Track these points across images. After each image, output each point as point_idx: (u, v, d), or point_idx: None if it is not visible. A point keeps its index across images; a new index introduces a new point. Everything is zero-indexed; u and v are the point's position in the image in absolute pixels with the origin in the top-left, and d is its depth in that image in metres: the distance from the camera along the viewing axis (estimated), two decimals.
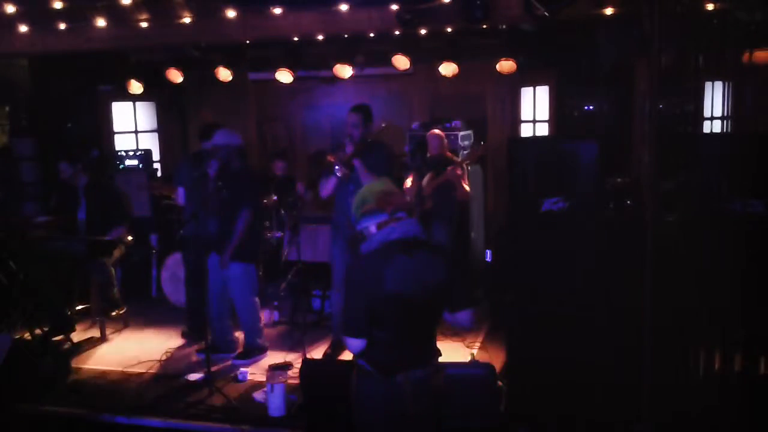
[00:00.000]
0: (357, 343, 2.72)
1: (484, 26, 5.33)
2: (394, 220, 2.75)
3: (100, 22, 5.72)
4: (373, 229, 2.78)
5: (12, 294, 5.37)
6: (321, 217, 6.20)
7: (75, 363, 5.17)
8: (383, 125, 5.17)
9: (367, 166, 4.62)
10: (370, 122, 4.88)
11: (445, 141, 6.07)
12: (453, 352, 5.11)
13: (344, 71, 6.80)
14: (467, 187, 5.87)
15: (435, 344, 2.88)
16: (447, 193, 5.79)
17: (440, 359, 2.88)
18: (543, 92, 7.31)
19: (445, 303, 2.82)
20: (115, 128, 8.28)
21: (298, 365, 4.40)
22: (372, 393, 2.75)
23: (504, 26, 5.90)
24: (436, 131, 6.09)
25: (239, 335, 5.34)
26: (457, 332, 5.32)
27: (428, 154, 6.02)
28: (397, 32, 5.79)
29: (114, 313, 5.94)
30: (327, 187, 4.88)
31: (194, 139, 6.64)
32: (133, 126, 8.40)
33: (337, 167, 4.68)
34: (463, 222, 6.36)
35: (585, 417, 3.79)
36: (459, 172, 5.70)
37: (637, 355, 3.71)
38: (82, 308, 6.03)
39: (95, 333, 5.83)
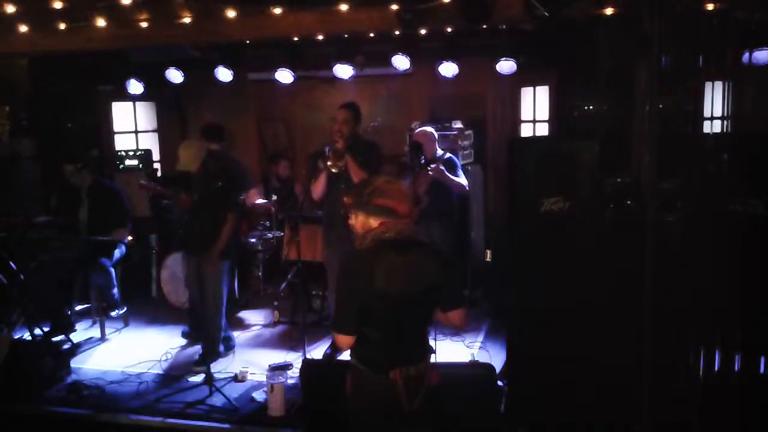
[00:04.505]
0: (345, 339, 2.73)
1: (484, 26, 5.32)
2: (392, 221, 2.75)
3: (100, 22, 5.72)
4: (373, 223, 2.76)
5: (12, 294, 5.37)
6: (321, 216, 6.18)
7: (75, 363, 5.17)
8: (374, 123, 5.14)
9: (357, 161, 4.62)
10: (359, 122, 4.88)
11: (434, 137, 5.95)
12: (453, 352, 5.11)
13: (344, 71, 6.80)
14: (458, 179, 5.69)
15: (427, 342, 2.87)
16: (442, 189, 5.73)
17: (441, 360, 2.87)
18: (543, 92, 7.30)
19: (437, 302, 2.81)
20: (115, 128, 8.26)
21: (298, 365, 4.40)
22: (366, 391, 2.74)
23: (504, 26, 5.89)
24: (425, 128, 5.99)
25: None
26: (457, 332, 5.32)
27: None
28: (397, 32, 5.78)
29: (114, 313, 5.94)
30: (318, 188, 4.88)
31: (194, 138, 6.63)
32: (133, 126, 8.38)
33: (329, 162, 4.67)
34: (463, 222, 6.35)
35: (585, 417, 3.79)
36: (440, 167, 5.56)
37: (637, 355, 3.71)
38: (82, 308, 6.03)
39: (95, 333, 5.84)
